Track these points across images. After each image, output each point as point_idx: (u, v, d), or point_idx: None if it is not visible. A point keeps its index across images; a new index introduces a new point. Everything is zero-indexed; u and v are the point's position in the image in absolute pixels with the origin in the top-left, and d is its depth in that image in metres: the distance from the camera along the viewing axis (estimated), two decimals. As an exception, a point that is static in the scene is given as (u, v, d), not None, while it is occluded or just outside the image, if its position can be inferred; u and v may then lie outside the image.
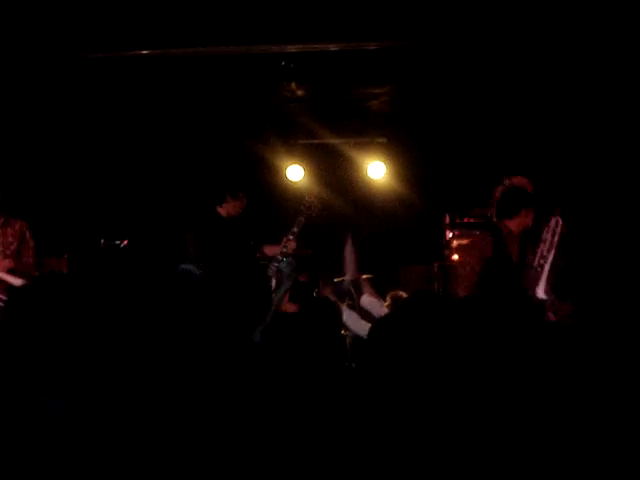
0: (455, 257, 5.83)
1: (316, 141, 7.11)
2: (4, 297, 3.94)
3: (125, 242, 6.56)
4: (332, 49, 4.99)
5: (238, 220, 5.33)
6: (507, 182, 4.67)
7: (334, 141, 7.12)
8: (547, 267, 4.20)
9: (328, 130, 6.85)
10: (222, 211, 5.31)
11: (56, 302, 2.21)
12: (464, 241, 5.68)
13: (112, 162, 6.74)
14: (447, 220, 6.32)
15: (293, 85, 5.76)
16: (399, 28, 4.64)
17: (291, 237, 5.19)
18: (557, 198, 6.38)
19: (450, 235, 6.23)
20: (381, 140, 7.21)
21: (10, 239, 4.44)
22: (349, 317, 4.52)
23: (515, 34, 4.63)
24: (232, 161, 7.06)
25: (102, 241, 6.56)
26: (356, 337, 4.79)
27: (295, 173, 7.26)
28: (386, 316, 2.38)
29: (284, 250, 5.15)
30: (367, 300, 4.68)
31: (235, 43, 4.82)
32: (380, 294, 5.21)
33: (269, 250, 5.35)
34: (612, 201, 6.06)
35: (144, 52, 4.92)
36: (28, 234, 4.52)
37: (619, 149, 5.91)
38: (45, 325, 2.13)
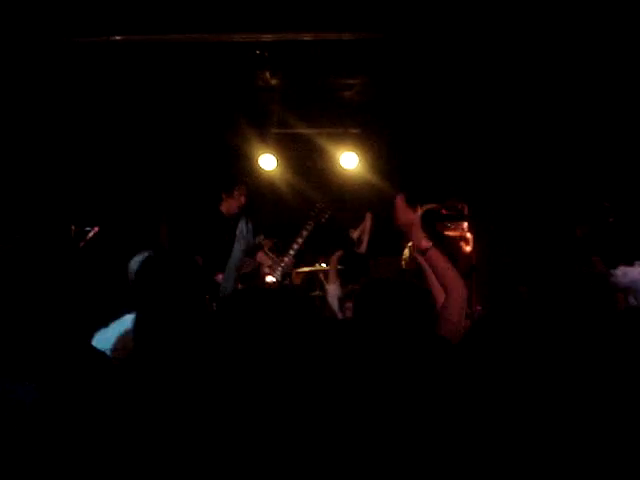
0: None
1: (289, 131, 7.09)
2: None
3: (96, 229, 6.49)
4: (307, 39, 4.97)
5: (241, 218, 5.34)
6: None
7: (307, 131, 7.10)
8: None
9: (301, 120, 6.83)
10: (223, 209, 5.32)
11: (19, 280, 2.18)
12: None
13: (86, 148, 6.67)
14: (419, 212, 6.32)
15: (267, 74, 5.74)
16: (374, 19, 4.65)
17: (299, 240, 5.28)
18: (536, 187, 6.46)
19: (422, 227, 6.22)
20: (354, 130, 7.21)
21: None
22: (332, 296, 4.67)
23: (490, 27, 4.66)
24: (206, 151, 7.02)
25: (72, 227, 6.48)
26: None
27: (268, 162, 7.23)
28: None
29: (291, 253, 5.28)
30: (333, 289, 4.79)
31: (209, 31, 4.79)
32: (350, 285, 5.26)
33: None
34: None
35: (117, 38, 4.87)
36: None
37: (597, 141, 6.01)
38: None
